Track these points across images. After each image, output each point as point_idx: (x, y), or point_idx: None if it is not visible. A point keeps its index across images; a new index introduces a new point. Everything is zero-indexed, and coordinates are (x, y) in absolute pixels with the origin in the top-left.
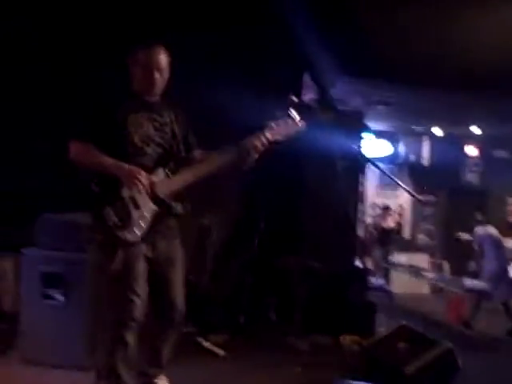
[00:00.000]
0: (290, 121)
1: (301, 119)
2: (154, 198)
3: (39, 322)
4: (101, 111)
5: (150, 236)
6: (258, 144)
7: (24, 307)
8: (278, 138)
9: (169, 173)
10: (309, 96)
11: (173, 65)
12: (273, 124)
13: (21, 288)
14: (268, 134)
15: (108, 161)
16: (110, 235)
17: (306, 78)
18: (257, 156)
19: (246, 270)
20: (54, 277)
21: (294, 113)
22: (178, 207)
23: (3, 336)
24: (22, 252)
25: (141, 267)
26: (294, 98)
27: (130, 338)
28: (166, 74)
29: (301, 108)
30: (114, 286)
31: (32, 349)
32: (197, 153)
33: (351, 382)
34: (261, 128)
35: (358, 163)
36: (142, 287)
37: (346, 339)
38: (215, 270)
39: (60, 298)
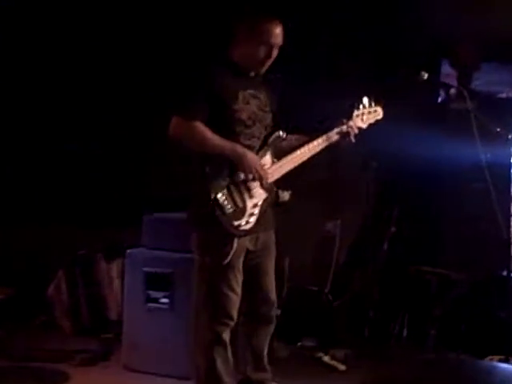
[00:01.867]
0: (374, 108)
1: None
2: (265, 185)
3: (142, 327)
4: (208, 84)
5: (256, 227)
6: (353, 129)
7: (127, 311)
8: (363, 125)
9: (275, 157)
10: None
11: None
12: (359, 111)
13: (124, 291)
14: (357, 121)
15: (223, 142)
16: (226, 225)
17: (445, 66)
18: (354, 138)
19: (373, 279)
20: (159, 278)
21: (373, 100)
22: (285, 194)
23: (108, 344)
24: (127, 253)
25: (241, 261)
26: (424, 74)
27: (227, 337)
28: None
29: (434, 86)
30: (212, 280)
31: (135, 356)
32: (289, 136)
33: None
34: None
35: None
36: (239, 282)
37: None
38: (338, 280)
39: (165, 301)
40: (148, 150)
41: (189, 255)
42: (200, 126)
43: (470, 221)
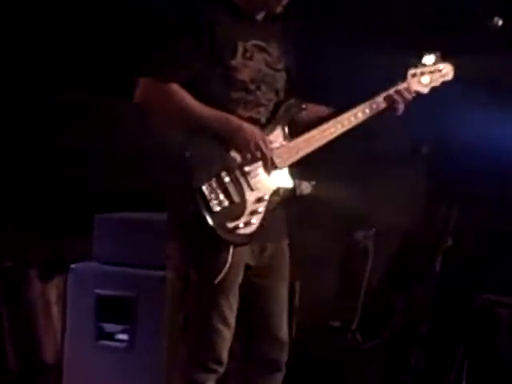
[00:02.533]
0: (438, 66)
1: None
2: (274, 172)
3: (91, 374)
4: (191, 28)
5: (261, 231)
6: (405, 94)
7: (70, 350)
8: (423, 88)
9: (288, 134)
10: None
11: None
12: (415, 70)
13: (67, 322)
14: (412, 83)
15: (211, 112)
16: (216, 227)
17: None
18: (404, 105)
19: (421, 311)
20: (116, 304)
21: (439, 56)
22: (305, 186)
23: None
24: (72, 268)
25: (238, 282)
26: (499, 20)
27: None
28: None
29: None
30: (196, 307)
31: None
32: (311, 105)
33: None
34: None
35: None
36: (233, 311)
37: None
38: (371, 312)
39: (124, 337)
40: (104, 127)
41: (159, 272)
42: (178, 91)
43: None
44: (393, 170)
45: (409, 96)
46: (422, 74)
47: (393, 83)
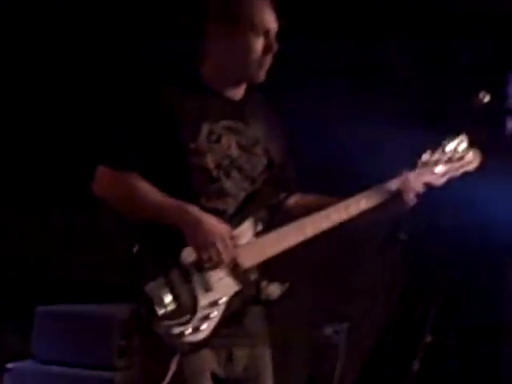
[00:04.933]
0: (458, 153)
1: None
2: (236, 271)
3: None
4: (150, 112)
5: (224, 339)
6: (414, 185)
7: None
8: (436, 179)
9: (260, 229)
10: None
11: None
12: (429, 157)
13: None
14: (423, 172)
15: (167, 201)
16: (160, 332)
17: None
18: (412, 203)
19: None
20: None
21: (465, 141)
22: (273, 289)
23: None
24: (8, 368)
25: None
26: (485, 95)
27: None
28: None
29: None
30: None
31: None
32: (296, 198)
33: None
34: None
35: None
36: None
37: None
38: None
39: None
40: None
41: (105, 373)
42: (134, 179)
43: None
44: (366, 259)
45: (415, 188)
46: (437, 162)
47: (398, 172)
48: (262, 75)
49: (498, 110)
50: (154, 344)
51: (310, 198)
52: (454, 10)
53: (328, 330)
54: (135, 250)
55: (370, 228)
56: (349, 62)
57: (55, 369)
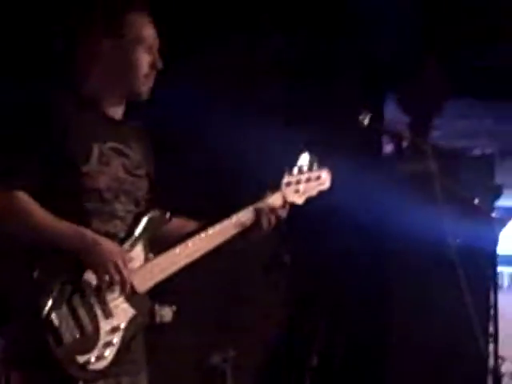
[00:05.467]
0: (318, 173)
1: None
2: (131, 296)
3: None
4: (41, 127)
5: (115, 365)
6: (276, 205)
7: None
8: (298, 199)
9: (149, 252)
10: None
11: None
12: (290, 178)
13: None
14: (287, 193)
15: (61, 225)
16: (64, 362)
17: (389, 105)
18: (272, 225)
19: None
20: None
21: (315, 160)
22: (166, 311)
23: None
24: None
25: None
26: (366, 116)
27: None
28: None
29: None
30: None
31: None
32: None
33: None
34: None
35: (489, 258)
36: None
37: None
38: None
39: None
40: None
41: None
42: (25, 200)
43: (433, 337)
44: (251, 282)
45: (278, 211)
46: (298, 181)
47: (263, 193)
48: (147, 91)
49: (377, 131)
50: (53, 374)
51: (185, 221)
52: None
53: (215, 359)
54: (35, 275)
55: (254, 250)
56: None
57: None
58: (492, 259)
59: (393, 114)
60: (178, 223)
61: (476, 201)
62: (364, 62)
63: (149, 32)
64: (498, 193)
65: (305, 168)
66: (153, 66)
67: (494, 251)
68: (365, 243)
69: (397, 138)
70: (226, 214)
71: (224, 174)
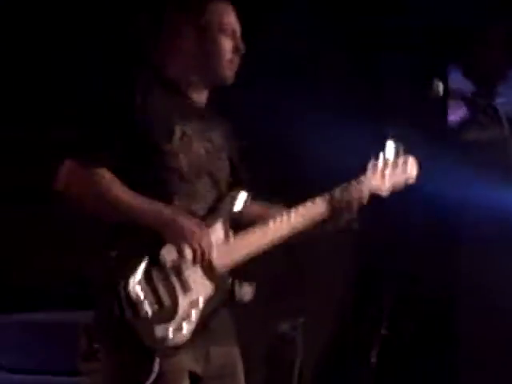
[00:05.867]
0: (403, 160)
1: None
2: (211, 273)
3: None
4: (124, 108)
5: (201, 339)
6: (356, 196)
7: None
8: (383, 190)
9: (230, 231)
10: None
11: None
12: (375, 167)
13: None
14: (368, 183)
15: (141, 201)
16: (142, 334)
17: (454, 75)
18: (355, 213)
19: None
20: None
21: (401, 149)
22: (246, 290)
23: None
24: None
25: None
26: (439, 85)
27: None
28: None
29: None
30: None
31: None
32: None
33: None
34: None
35: None
36: None
37: None
38: None
39: None
40: None
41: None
42: (106, 177)
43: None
44: (319, 252)
45: (360, 199)
46: (384, 169)
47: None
48: (231, 76)
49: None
50: (132, 346)
51: (260, 204)
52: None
53: (284, 327)
54: (114, 254)
55: None
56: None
57: (21, 378)
58: None
59: (456, 85)
60: (260, 207)
61: None
62: (427, 32)
63: (230, 19)
64: None
65: (390, 155)
66: (236, 50)
67: None
68: (431, 214)
69: (470, 105)
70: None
71: (303, 162)
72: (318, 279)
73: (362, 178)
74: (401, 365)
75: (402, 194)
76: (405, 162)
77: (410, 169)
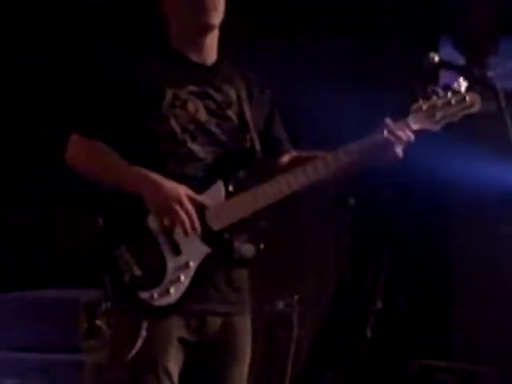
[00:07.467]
0: (453, 94)
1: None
2: (206, 234)
3: None
4: (118, 81)
5: (197, 306)
6: (402, 134)
7: None
8: (432, 125)
9: (232, 190)
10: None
11: None
12: (422, 103)
13: None
14: (417, 119)
15: (129, 169)
16: (127, 297)
17: (445, 45)
18: (401, 152)
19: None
20: None
21: (463, 83)
22: (247, 248)
23: None
24: None
25: (172, 358)
26: (434, 56)
27: None
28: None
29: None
30: None
31: None
32: (289, 157)
33: None
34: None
35: None
36: None
37: None
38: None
39: None
40: None
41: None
42: (99, 147)
43: (497, 288)
44: (315, 228)
45: (405, 137)
46: (433, 107)
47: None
48: (216, 16)
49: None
50: (124, 311)
51: (303, 156)
52: None
53: (280, 304)
54: (100, 222)
55: (317, 197)
56: None
57: (22, 355)
58: None
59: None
60: (290, 160)
61: None
62: (417, 5)
63: None
64: None
65: (444, 93)
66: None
67: None
68: (428, 188)
69: (465, 76)
70: None
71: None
72: (313, 256)
73: (411, 113)
74: (396, 338)
75: (399, 166)
76: (463, 97)
77: (471, 103)
